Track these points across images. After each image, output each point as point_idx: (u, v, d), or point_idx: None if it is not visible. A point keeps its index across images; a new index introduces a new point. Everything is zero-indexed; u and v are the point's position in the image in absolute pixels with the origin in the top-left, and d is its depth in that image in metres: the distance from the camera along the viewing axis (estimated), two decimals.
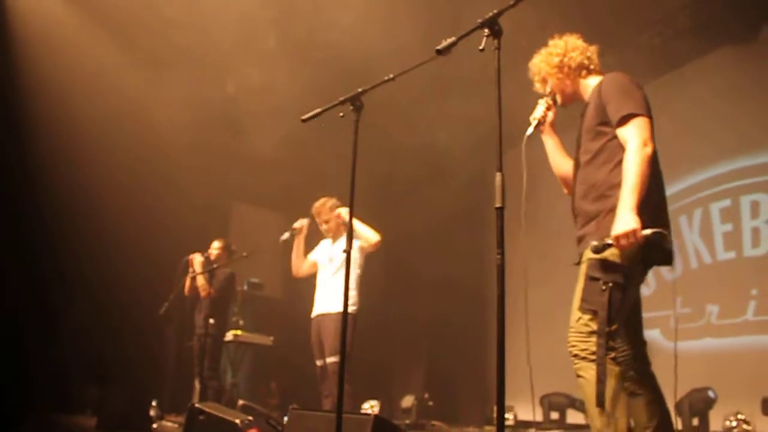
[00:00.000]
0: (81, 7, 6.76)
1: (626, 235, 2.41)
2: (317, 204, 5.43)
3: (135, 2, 6.59)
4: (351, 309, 4.94)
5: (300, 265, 5.47)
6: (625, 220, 2.42)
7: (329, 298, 5.15)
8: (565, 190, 3.09)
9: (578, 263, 2.74)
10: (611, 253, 2.51)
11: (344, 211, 5.24)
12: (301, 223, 5.40)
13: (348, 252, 2.98)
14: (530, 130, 2.96)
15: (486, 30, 2.32)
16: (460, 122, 7.86)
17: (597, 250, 2.52)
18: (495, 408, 2.02)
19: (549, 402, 7.59)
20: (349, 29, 6.84)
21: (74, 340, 6.82)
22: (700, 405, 5.89)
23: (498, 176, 2.18)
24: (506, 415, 7.59)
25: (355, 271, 5.08)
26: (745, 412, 5.66)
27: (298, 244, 5.44)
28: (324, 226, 5.40)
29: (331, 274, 5.25)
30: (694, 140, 6.97)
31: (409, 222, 9.27)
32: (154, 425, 5.86)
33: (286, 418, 4.35)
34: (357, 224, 5.02)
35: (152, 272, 7.27)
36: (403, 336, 9.93)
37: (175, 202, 7.83)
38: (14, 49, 6.28)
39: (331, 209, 5.36)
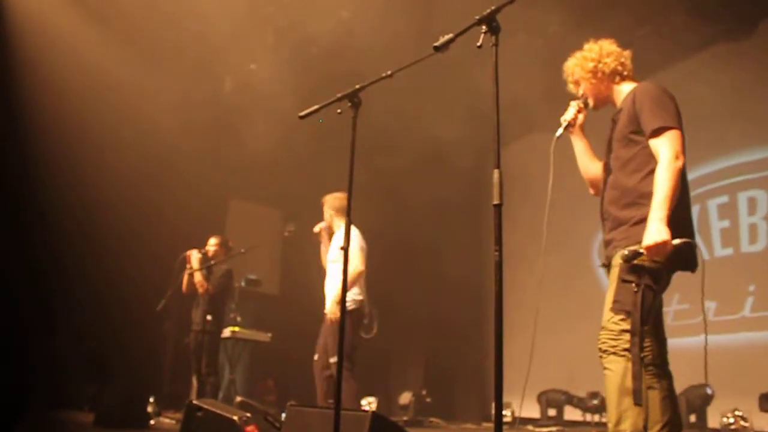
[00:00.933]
0: (80, 5, 6.74)
1: (657, 246, 2.51)
2: (329, 196, 5.40)
3: (134, 1, 6.58)
4: (349, 306, 4.94)
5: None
6: (657, 230, 2.52)
7: (328, 298, 5.16)
8: (592, 191, 3.17)
9: (606, 265, 2.85)
10: (641, 259, 2.60)
11: (320, 227, 5.33)
12: (319, 226, 5.38)
13: (345, 249, 2.97)
14: (560, 131, 3.03)
15: (484, 26, 2.30)
16: (460, 117, 7.87)
17: (628, 258, 2.62)
18: (493, 404, 2.02)
19: (546, 399, 7.60)
20: (347, 24, 6.84)
21: (72, 337, 6.82)
22: (697, 401, 5.91)
23: (496, 173, 2.17)
24: (504, 412, 7.59)
25: (355, 267, 5.06)
26: (743, 409, 5.68)
27: (324, 243, 5.39)
28: (326, 217, 5.38)
29: (332, 274, 5.26)
30: (691, 137, 6.89)
31: (408, 218, 9.28)
32: (152, 422, 5.86)
33: (284, 415, 4.35)
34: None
35: (150, 269, 7.27)
36: (401, 332, 9.94)
37: (172, 198, 7.84)
38: (13, 47, 6.26)
39: (340, 209, 5.27)
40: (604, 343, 2.66)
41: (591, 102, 3.08)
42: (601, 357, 2.67)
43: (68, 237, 6.70)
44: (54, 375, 6.54)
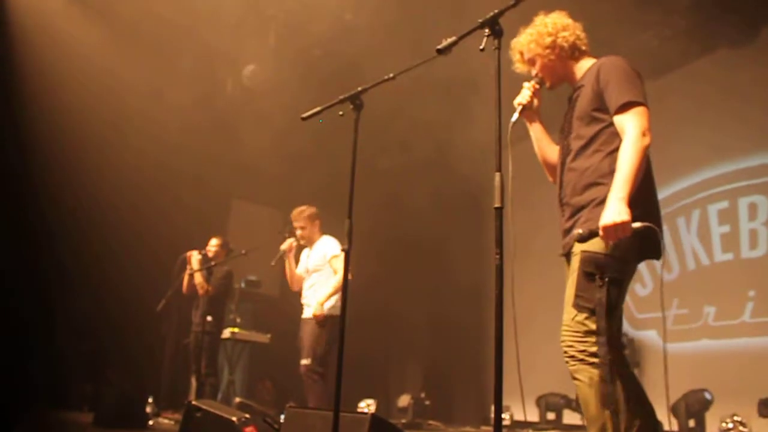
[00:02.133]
0: (82, 6, 6.75)
1: (615, 226, 2.29)
2: (295, 211, 5.56)
3: (134, 2, 6.58)
4: (329, 311, 5.11)
5: (294, 282, 5.58)
6: (616, 210, 2.30)
7: (307, 307, 5.33)
8: (551, 179, 2.95)
9: (565, 254, 2.65)
10: (600, 246, 2.40)
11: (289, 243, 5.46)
12: (288, 243, 5.49)
13: (347, 251, 2.98)
14: (515, 116, 2.77)
15: (486, 30, 2.30)
16: (460, 120, 7.87)
17: (582, 239, 2.41)
18: (491, 408, 2.02)
19: (545, 402, 7.60)
20: (349, 26, 6.85)
21: (72, 337, 6.82)
22: (696, 406, 5.90)
23: (497, 176, 2.17)
24: (503, 415, 7.59)
25: (334, 277, 5.17)
26: (742, 414, 5.67)
27: (290, 263, 5.53)
28: (299, 232, 5.50)
29: (309, 286, 5.40)
30: (691, 142, 6.98)
31: (407, 221, 9.28)
32: (151, 422, 5.86)
33: (282, 416, 4.35)
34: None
35: (150, 269, 7.27)
36: (400, 335, 9.94)
37: (173, 198, 7.84)
38: (15, 48, 6.27)
39: (308, 218, 5.50)
40: (570, 346, 2.42)
41: (547, 81, 2.85)
42: (567, 363, 2.45)
43: (69, 237, 6.71)
44: (54, 375, 6.55)
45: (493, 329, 2.05)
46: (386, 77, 2.96)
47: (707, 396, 5.85)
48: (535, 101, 2.86)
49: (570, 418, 7.45)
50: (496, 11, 2.32)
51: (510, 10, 2.35)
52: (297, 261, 5.60)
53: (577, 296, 2.43)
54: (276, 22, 7.06)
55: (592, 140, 2.60)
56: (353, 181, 2.97)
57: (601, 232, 2.34)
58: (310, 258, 5.46)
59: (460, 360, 9.49)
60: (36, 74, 6.39)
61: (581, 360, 2.38)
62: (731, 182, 6.81)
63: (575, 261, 2.49)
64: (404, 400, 8.57)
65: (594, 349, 2.35)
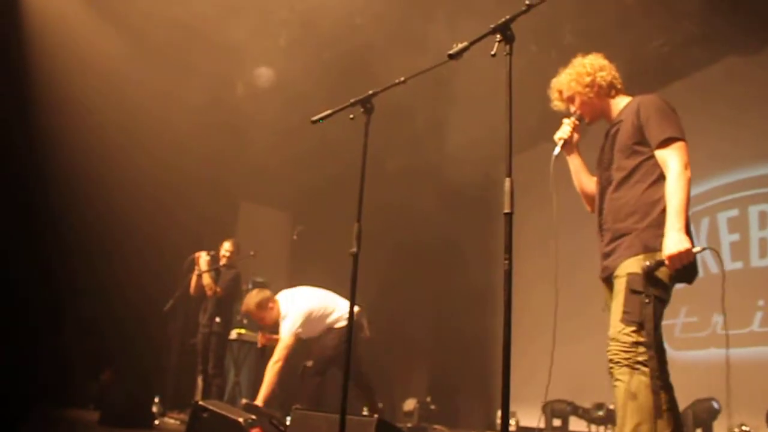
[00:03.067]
0: (96, 8, 6.78)
1: (680, 255, 2.51)
2: (243, 308, 5.44)
3: (146, 4, 6.61)
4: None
5: None
6: (677, 239, 2.53)
7: None
8: (588, 208, 3.16)
9: (605, 278, 2.87)
10: (642, 262, 2.62)
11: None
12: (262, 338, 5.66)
13: (356, 255, 2.98)
14: (557, 150, 3.02)
15: (498, 35, 2.31)
16: (467, 125, 7.88)
17: (650, 270, 2.60)
18: (499, 413, 2.03)
19: (551, 409, 7.57)
20: (361, 30, 6.87)
21: (79, 335, 6.84)
22: (703, 416, 5.86)
23: (507, 182, 2.17)
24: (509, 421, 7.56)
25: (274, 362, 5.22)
26: (750, 424, 5.64)
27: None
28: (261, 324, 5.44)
29: None
30: (701, 150, 6.90)
31: (415, 225, 9.28)
32: (156, 422, 5.87)
33: (288, 418, 4.35)
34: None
35: (159, 269, 7.30)
36: (407, 338, 9.93)
37: (183, 199, 7.86)
38: (29, 50, 6.30)
39: (259, 306, 5.31)
40: (615, 354, 2.63)
41: (587, 118, 3.07)
42: (611, 368, 2.65)
43: (77, 236, 6.73)
44: (60, 373, 6.57)
45: (499, 333, 2.06)
46: (397, 81, 2.97)
47: (715, 405, 5.81)
48: (575, 136, 3.09)
49: (576, 425, 7.41)
50: (507, 17, 2.32)
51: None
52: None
53: (624, 312, 2.63)
54: (287, 25, 7.07)
55: (633, 172, 2.82)
56: (363, 184, 2.97)
57: (667, 261, 2.55)
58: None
59: (466, 364, 9.46)
60: (49, 75, 6.42)
61: (627, 365, 2.58)
62: (741, 190, 6.78)
63: (620, 282, 2.70)
64: (410, 404, 8.56)
65: (640, 358, 2.55)
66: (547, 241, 6.85)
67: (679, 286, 2.72)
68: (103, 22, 6.87)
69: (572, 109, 3.07)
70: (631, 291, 2.63)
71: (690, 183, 2.65)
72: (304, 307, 5.23)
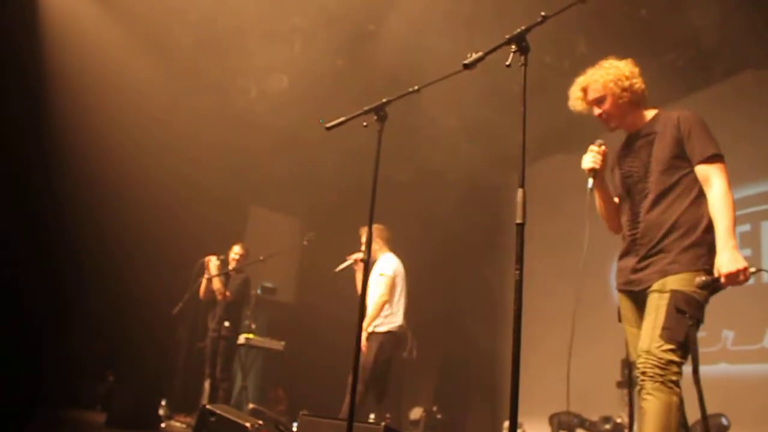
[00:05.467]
0: (110, 9, 6.84)
1: (738, 272, 2.53)
2: (375, 226, 5.52)
3: (163, 6, 6.65)
4: (378, 328, 5.26)
5: None
6: (736, 258, 2.54)
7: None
8: (612, 229, 3.12)
9: (636, 290, 2.81)
10: (687, 287, 2.62)
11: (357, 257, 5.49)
12: (354, 256, 5.52)
13: (366, 262, 2.99)
14: (591, 182, 2.95)
15: (513, 46, 2.31)
16: (475, 135, 7.89)
17: (704, 286, 2.60)
18: (505, 424, 2.03)
19: (558, 421, 7.53)
20: (373, 36, 6.89)
21: (87, 336, 6.87)
22: (712, 431, 5.82)
23: (519, 192, 2.17)
24: None
25: (379, 295, 5.26)
26: None
27: (359, 274, 5.55)
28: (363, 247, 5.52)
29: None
30: None
31: (426, 231, 9.28)
32: (163, 424, 5.88)
33: (295, 425, 4.35)
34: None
35: (167, 272, 7.32)
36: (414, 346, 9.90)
37: (193, 203, 7.89)
38: (44, 49, 6.35)
39: (383, 238, 5.53)
40: (649, 368, 2.60)
41: (612, 122, 2.98)
42: (642, 381, 2.62)
43: (86, 239, 6.74)
44: (67, 374, 6.59)
45: (507, 343, 2.06)
46: (411, 89, 2.98)
47: (724, 421, 5.77)
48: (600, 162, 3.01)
49: None
50: (523, 27, 2.33)
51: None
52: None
53: (665, 328, 2.60)
54: (299, 32, 7.11)
55: (673, 187, 2.80)
56: (375, 191, 2.97)
57: (723, 279, 2.55)
58: (373, 273, 5.47)
59: (474, 374, 9.44)
60: (62, 78, 6.44)
61: (661, 383, 2.57)
62: (754, 205, 6.75)
63: (660, 298, 2.66)
64: (416, 413, 8.54)
65: (674, 377, 2.56)
66: (554, 252, 6.86)
67: None
68: (119, 22, 6.91)
69: (596, 111, 2.99)
70: (676, 309, 2.60)
71: (733, 202, 2.69)
72: (398, 268, 5.42)
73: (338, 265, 5.56)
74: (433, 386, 9.89)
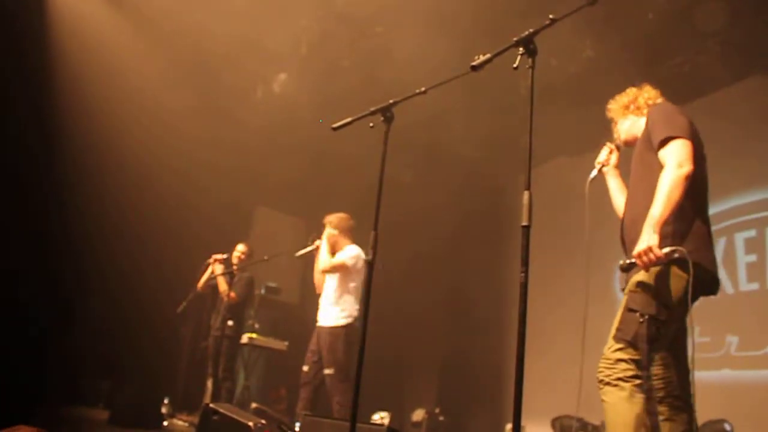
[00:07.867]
0: (119, 10, 6.85)
1: (644, 252, 2.45)
2: (335, 216, 5.50)
3: (170, 7, 6.67)
4: (344, 321, 5.12)
5: (318, 284, 5.52)
6: (645, 237, 2.47)
7: (323, 311, 5.30)
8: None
9: (623, 289, 2.80)
10: (647, 280, 2.56)
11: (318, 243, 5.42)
12: (316, 243, 5.43)
13: (371, 263, 2.98)
14: (594, 173, 3.07)
15: (521, 48, 2.31)
16: (479, 137, 7.89)
17: (625, 269, 2.59)
18: (508, 426, 2.02)
19: (560, 425, 7.52)
20: (380, 39, 6.89)
21: (90, 335, 6.87)
22: None
23: (526, 194, 2.17)
24: None
25: (350, 283, 5.19)
26: None
27: (316, 261, 5.46)
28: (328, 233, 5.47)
29: (327, 285, 5.38)
30: (720, 168, 6.82)
31: (429, 233, 9.28)
32: (165, 423, 5.89)
33: (297, 425, 4.35)
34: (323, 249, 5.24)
35: (171, 271, 7.33)
36: (417, 349, 9.91)
37: (197, 203, 7.90)
38: (51, 50, 6.36)
39: (340, 225, 5.42)
40: (601, 372, 2.59)
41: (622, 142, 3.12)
42: (599, 386, 2.60)
43: (88, 238, 6.74)
44: (70, 372, 6.60)
45: (510, 346, 2.06)
46: (417, 91, 2.98)
47: (727, 427, 5.75)
48: (612, 159, 3.15)
49: None
50: (531, 30, 2.33)
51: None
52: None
53: (618, 329, 2.59)
54: (307, 33, 7.11)
55: (643, 179, 2.78)
56: (381, 191, 2.97)
57: (636, 261, 2.50)
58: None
59: (477, 377, 9.42)
60: (68, 82, 6.45)
61: (608, 383, 2.53)
62: (759, 211, 6.72)
63: (624, 298, 2.66)
64: (418, 415, 8.53)
65: (621, 374, 2.51)
66: (557, 254, 6.84)
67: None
68: (126, 23, 6.93)
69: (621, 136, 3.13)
70: (628, 309, 2.59)
71: (683, 180, 2.54)
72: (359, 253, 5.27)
73: (299, 250, 5.53)
74: (435, 388, 9.89)
